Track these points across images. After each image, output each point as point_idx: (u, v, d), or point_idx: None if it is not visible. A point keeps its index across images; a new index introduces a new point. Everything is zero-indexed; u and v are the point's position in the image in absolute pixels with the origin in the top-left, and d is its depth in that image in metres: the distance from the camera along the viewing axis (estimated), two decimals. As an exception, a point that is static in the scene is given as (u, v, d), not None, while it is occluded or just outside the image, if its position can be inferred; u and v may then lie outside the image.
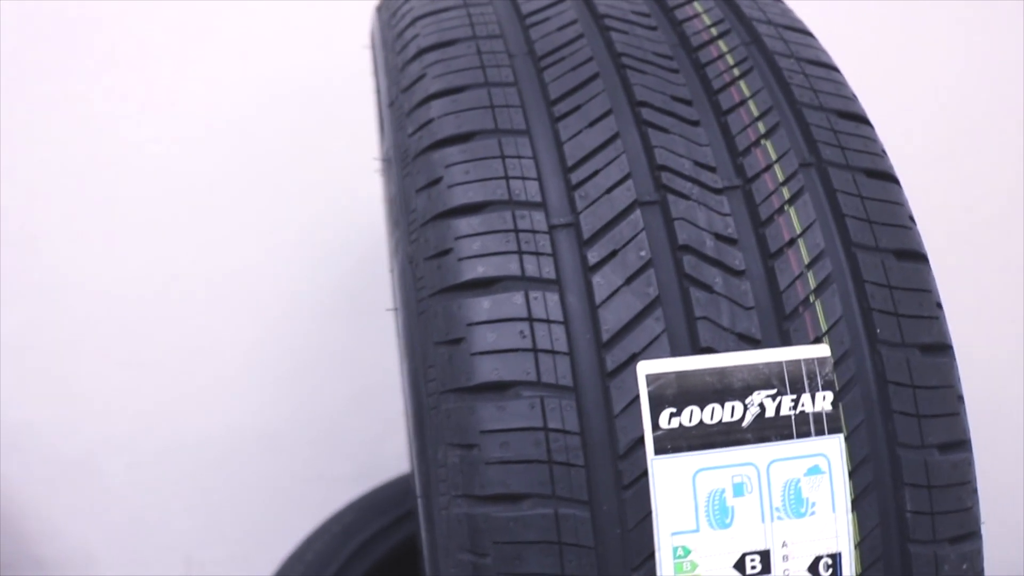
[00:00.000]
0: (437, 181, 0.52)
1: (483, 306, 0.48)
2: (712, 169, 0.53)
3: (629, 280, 0.49)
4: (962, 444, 0.52)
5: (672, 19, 0.61)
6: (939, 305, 0.54)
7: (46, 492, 1.19)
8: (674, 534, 0.47)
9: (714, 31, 0.60)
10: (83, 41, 1.15)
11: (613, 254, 0.50)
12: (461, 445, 0.48)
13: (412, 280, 0.53)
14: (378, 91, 0.72)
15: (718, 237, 0.51)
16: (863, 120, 0.58)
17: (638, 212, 0.51)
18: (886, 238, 0.53)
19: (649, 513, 0.46)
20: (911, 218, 0.55)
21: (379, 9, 0.70)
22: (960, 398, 0.53)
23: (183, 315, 1.19)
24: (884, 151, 0.57)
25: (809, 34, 0.62)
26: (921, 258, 0.54)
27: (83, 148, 1.15)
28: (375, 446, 1.26)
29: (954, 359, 0.53)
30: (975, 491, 0.53)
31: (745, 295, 0.50)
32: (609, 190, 0.51)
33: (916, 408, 0.51)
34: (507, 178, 0.51)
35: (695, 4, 0.62)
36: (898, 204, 0.55)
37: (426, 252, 0.51)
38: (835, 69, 0.60)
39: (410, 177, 0.54)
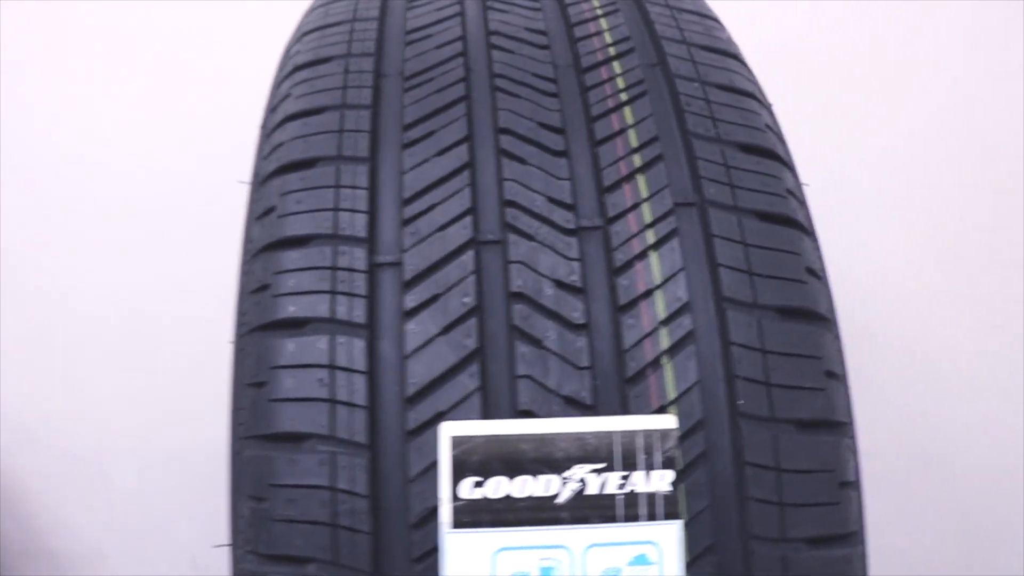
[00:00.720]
0: (271, 210, 0.49)
1: (288, 349, 0.45)
2: (568, 207, 0.47)
3: (446, 329, 0.44)
4: (843, 538, 0.45)
5: (571, 36, 0.55)
6: (831, 374, 0.46)
7: (60, 489, 1.22)
8: (464, 619, 0.41)
9: (612, 51, 0.54)
10: (93, 47, 1.18)
11: (434, 299, 0.45)
12: (254, 497, 0.44)
13: (238, 315, 0.49)
14: None
15: (559, 285, 0.45)
16: (769, 155, 0.50)
17: (471, 253, 0.46)
18: (768, 293, 0.46)
19: (439, 593, 0.41)
20: (810, 271, 0.48)
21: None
22: (846, 484, 0.45)
23: (192, 322, 1.20)
24: (790, 191, 0.50)
25: (732, 56, 0.55)
26: (813, 318, 0.47)
27: (94, 155, 1.18)
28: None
29: (844, 438, 0.46)
30: (858, 595, 0.45)
31: (579, 353, 0.44)
32: (443, 227, 0.46)
33: (779, 495, 0.43)
34: (336, 210, 0.47)
35: (601, 21, 0.56)
36: (793, 254, 0.47)
37: (251, 286, 0.48)
38: (750, 96, 0.53)
39: (254, 204, 0.51)
